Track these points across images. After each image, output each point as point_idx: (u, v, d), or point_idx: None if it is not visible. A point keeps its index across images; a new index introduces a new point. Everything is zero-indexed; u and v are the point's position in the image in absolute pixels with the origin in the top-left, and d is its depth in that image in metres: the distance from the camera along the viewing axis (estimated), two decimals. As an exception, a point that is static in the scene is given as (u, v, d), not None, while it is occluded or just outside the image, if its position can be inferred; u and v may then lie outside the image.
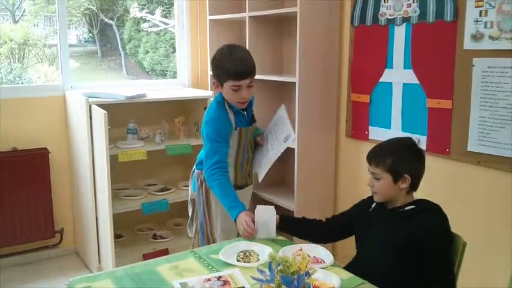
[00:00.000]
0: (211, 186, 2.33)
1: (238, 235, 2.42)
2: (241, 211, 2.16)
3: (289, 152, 3.28)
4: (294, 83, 3.07)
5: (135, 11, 4.37)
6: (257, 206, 2.12)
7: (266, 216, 2.07)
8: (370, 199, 2.02)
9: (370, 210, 1.99)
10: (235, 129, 2.35)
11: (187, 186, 3.66)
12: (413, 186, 1.89)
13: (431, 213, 1.84)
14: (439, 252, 1.77)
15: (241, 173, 2.49)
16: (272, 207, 2.10)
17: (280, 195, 3.43)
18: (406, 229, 1.79)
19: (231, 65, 2.22)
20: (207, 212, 2.53)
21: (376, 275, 1.74)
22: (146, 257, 3.35)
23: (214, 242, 2.51)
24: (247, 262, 1.85)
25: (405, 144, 1.92)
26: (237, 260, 1.87)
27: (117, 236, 3.47)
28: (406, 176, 1.85)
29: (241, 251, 1.94)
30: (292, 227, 2.19)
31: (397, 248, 1.79)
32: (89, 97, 3.17)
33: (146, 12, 4.38)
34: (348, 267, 1.89)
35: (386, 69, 2.93)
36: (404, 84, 2.83)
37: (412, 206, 1.87)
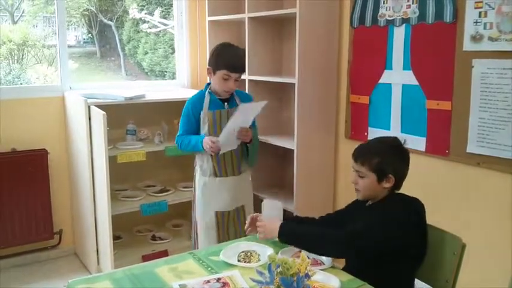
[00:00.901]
0: (182, 149, 2.76)
1: (216, 219, 2.76)
2: (202, 139, 2.61)
3: (288, 152, 3.29)
4: (293, 84, 3.07)
5: (134, 12, 4.37)
6: (264, 199, 2.11)
7: (273, 210, 2.06)
8: (357, 201, 2.03)
9: (364, 209, 1.98)
10: (208, 110, 2.69)
11: (187, 187, 3.68)
12: (397, 186, 1.91)
13: (402, 201, 1.87)
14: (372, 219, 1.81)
15: (217, 159, 2.71)
16: (279, 202, 2.09)
17: (280, 196, 3.42)
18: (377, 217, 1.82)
19: (230, 57, 2.64)
20: (194, 195, 2.83)
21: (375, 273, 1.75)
22: (145, 258, 3.34)
23: (196, 225, 2.82)
24: (248, 262, 1.85)
25: (392, 145, 1.93)
26: (238, 260, 1.87)
27: (116, 237, 3.46)
28: (390, 176, 1.86)
29: (243, 251, 1.94)
30: None
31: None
32: (88, 98, 3.16)
33: (145, 13, 4.38)
34: (346, 268, 1.90)
35: (385, 71, 2.92)
36: (403, 85, 2.83)
37: (387, 198, 1.90)
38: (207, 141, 2.57)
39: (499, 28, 2.34)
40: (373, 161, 1.87)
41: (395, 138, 1.95)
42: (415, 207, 1.86)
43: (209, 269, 1.82)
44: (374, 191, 1.90)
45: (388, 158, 1.88)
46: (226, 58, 2.63)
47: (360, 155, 1.91)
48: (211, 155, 2.69)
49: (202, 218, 2.78)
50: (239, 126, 2.59)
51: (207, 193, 2.76)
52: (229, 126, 2.54)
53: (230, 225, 2.81)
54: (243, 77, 3.47)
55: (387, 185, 1.88)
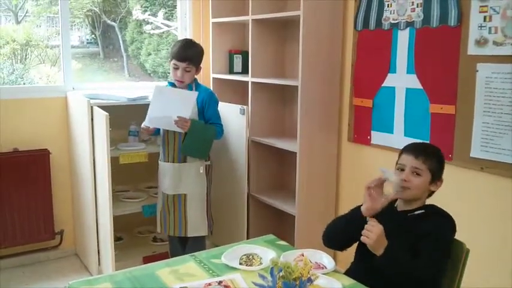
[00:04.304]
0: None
1: (163, 198, 3.05)
2: None
3: (290, 155, 3.28)
4: (297, 87, 3.06)
5: (137, 13, 4.37)
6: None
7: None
8: None
9: (407, 219, 1.92)
10: None
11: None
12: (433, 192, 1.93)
13: (440, 216, 1.84)
14: (437, 245, 1.76)
15: (163, 144, 3.01)
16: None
17: (281, 199, 3.41)
18: (410, 233, 1.79)
19: (177, 48, 2.94)
20: None
21: (380, 277, 1.73)
22: (146, 259, 3.34)
23: None
24: (250, 265, 1.84)
25: (440, 151, 1.95)
26: (240, 263, 1.86)
27: (117, 239, 3.46)
28: (442, 180, 1.90)
29: (244, 254, 1.93)
30: None
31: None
32: (91, 98, 3.16)
33: (149, 14, 4.38)
34: (349, 272, 1.88)
35: (389, 74, 2.92)
36: (407, 89, 2.82)
37: (422, 211, 1.87)
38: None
39: (503, 32, 2.33)
40: (433, 160, 1.87)
41: None
42: (453, 227, 1.84)
43: (210, 271, 1.81)
44: (423, 192, 1.88)
45: (441, 162, 1.92)
46: (174, 48, 2.95)
47: (421, 152, 1.88)
48: (162, 137, 3.02)
49: (158, 195, 3.15)
50: (175, 113, 2.80)
51: (159, 175, 3.09)
52: (152, 106, 2.86)
53: (170, 208, 3.02)
54: (245, 78, 3.50)
55: (435, 188, 1.89)
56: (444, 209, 1.87)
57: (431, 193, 1.92)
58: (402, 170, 1.90)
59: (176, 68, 2.92)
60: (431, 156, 1.88)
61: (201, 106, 2.95)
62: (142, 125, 2.96)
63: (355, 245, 2.03)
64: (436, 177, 1.88)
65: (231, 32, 3.89)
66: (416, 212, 1.87)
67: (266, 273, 1.48)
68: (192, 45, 3.00)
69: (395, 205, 1.94)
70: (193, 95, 2.86)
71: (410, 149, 1.92)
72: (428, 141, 2.69)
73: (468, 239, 1.85)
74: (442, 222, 1.82)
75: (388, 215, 1.91)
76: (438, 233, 1.78)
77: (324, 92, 3.16)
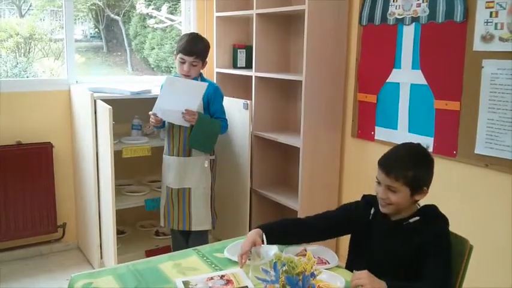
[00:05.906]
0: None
1: (166, 192, 3.04)
2: None
3: (293, 150, 3.27)
4: (301, 82, 3.05)
5: (141, 7, 4.36)
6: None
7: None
8: (367, 205, 1.92)
9: (370, 217, 1.89)
10: None
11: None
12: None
13: (435, 223, 1.78)
14: (438, 254, 1.71)
15: (168, 138, 3.01)
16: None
17: (284, 194, 3.41)
18: (410, 244, 1.74)
19: (185, 42, 2.92)
20: None
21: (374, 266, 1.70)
22: (148, 253, 3.34)
23: None
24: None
25: (421, 154, 1.81)
26: (242, 258, 1.85)
27: (119, 232, 3.46)
28: (425, 189, 1.77)
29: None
30: (280, 238, 1.96)
31: (399, 263, 1.75)
32: (94, 92, 3.16)
33: (152, 9, 4.37)
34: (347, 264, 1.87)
35: (394, 69, 2.90)
36: (412, 84, 2.81)
37: (417, 218, 1.78)
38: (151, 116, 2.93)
39: (510, 28, 2.31)
40: (408, 174, 1.72)
41: (420, 145, 1.84)
42: (446, 227, 1.79)
43: (213, 265, 1.81)
44: (405, 204, 1.78)
45: (421, 170, 1.76)
46: (181, 43, 2.93)
47: (392, 169, 1.74)
48: (167, 130, 3.02)
49: (162, 189, 3.13)
50: (183, 105, 2.81)
51: (163, 169, 3.07)
52: (161, 95, 2.88)
53: (175, 202, 3.01)
54: (249, 73, 3.49)
55: (419, 197, 1.78)
56: (439, 208, 1.81)
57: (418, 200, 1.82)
58: (379, 183, 1.79)
59: (183, 62, 2.91)
60: (406, 170, 1.72)
61: (206, 100, 2.95)
62: (150, 112, 2.92)
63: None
64: (417, 188, 1.74)
65: (235, 27, 3.88)
66: (411, 220, 1.78)
67: (269, 267, 1.48)
68: (199, 40, 2.99)
69: (393, 219, 1.85)
70: (203, 86, 2.86)
71: (383, 163, 1.79)
72: (432, 137, 2.69)
73: (472, 236, 1.83)
74: (438, 229, 1.75)
75: (379, 221, 1.86)
76: (438, 243, 1.72)
77: (328, 87, 3.14)
